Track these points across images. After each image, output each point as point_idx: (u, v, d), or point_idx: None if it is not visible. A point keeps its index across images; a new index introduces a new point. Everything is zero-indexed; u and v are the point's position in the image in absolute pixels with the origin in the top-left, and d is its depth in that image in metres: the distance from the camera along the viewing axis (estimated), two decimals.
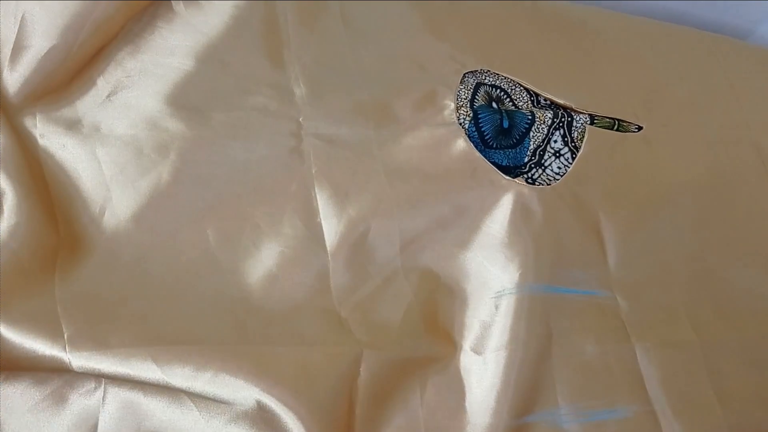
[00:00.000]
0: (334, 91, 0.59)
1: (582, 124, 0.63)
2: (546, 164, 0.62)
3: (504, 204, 0.57)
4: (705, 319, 0.61)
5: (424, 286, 0.57)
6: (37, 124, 0.55)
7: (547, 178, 0.61)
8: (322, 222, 0.56)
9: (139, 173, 0.55)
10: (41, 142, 0.55)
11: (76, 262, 0.54)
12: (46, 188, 0.55)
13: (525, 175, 0.61)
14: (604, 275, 0.59)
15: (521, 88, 0.65)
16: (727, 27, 0.82)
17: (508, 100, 0.64)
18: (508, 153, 0.61)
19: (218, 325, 0.52)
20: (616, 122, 0.65)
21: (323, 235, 0.56)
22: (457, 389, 0.54)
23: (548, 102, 0.66)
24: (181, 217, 0.55)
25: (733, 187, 0.66)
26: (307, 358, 0.51)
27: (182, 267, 0.54)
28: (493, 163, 0.60)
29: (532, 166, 0.62)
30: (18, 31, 0.53)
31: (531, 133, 0.62)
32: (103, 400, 0.47)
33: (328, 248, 0.56)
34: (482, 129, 0.61)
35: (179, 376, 0.48)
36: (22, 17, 0.53)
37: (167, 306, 0.53)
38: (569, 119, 0.63)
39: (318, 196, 0.57)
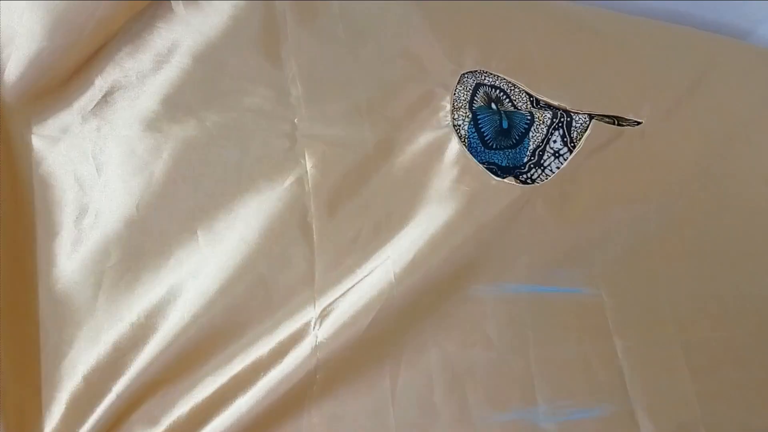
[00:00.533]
0: (331, 91, 0.59)
1: (581, 124, 0.63)
2: (545, 164, 0.62)
3: (490, 205, 0.58)
4: (690, 317, 0.61)
5: (406, 282, 0.58)
6: (32, 123, 0.56)
7: (546, 178, 0.61)
8: (312, 221, 0.57)
9: (131, 173, 0.55)
10: (35, 140, 0.56)
11: (65, 258, 0.55)
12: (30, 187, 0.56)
13: (524, 175, 0.61)
14: (592, 272, 0.60)
15: (520, 88, 0.65)
16: (727, 27, 0.82)
17: (507, 100, 0.64)
18: (507, 153, 0.61)
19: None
20: (616, 121, 0.65)
21: (312, 233, 0.56)
22: (426, 383, 0.56)
23: (545, 103, 0.66)
24: (172, 217, 0.56)
25: (725, 186, 0.66)
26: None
27: (170, 268, 0.55)
28: (493, 164, 0.60)
29: (532, 166, 0.62)
30: (17, 29, 0.53)
31: (530, 134, 0.62)
32: None
33: (315, 246, 0.56)
34: (482, 130, 0.61)
35: None
36: (23, 17, 0.53)
37: None
38: (568, 119, 0.63)
39: (312, 195, 0.57)
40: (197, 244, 0.56)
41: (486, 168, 0.60)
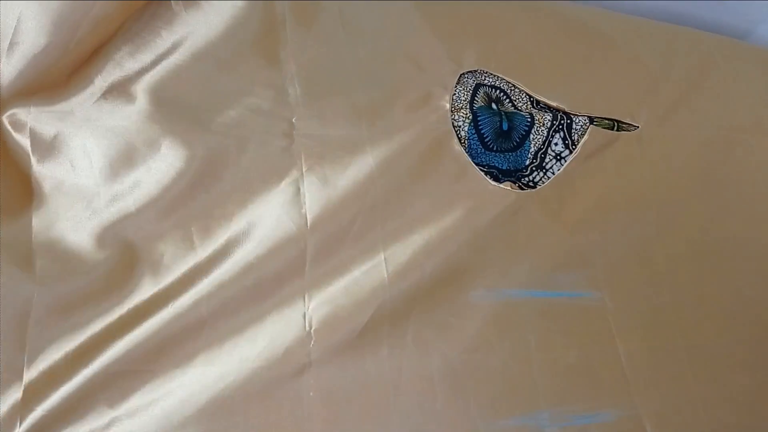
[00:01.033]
0: (330, 91, 0.59)
1: (582, 126, 0.63)
2: (547, 167, 0.61)
3: (487, 209, 0.58)
4: (693, 321, 0.61)
5: (399, 283, 0.57)
6: (30, 117, 0.55)
7: (548, 181, 0.61)
8: (307, 213, 0.56)
9: (128, 167, 0.55)
10: (34, 138, 0.56)
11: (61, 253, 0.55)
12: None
13: (526, 178, 0.61)
14: (593, 276, 0.59)
15: (520, 89, 0.65)
16: (727, 27, 0.82)
17: (507, 101, 0.64)
18: (508, 156, 0.61)
19: None
20: (615, 123, 0.65)
21: (306, 224, 0.56)
22: (428, 389, 0.56)
23: (544, 104, 0.66)
24: (167, 214, 0.56)
25: (725, 188, 0.66)
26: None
27: (164, 266, 0.55)
28: (494, 167, 0.60)
29: (534, 169, 0.61)
30: (15, 27, 0.53)
31: (531, 136, 0.62)
32: None
33: (308, 234, 0.56)
34: (482, 131, 0.60)
35: None
36: (20, 15, 0.53)
37: None
38: (568, 121, 0.63)
39: (306, 191, 0.56)
40: (192, 242, 0.56)
41: (486, 172, 0.59)
